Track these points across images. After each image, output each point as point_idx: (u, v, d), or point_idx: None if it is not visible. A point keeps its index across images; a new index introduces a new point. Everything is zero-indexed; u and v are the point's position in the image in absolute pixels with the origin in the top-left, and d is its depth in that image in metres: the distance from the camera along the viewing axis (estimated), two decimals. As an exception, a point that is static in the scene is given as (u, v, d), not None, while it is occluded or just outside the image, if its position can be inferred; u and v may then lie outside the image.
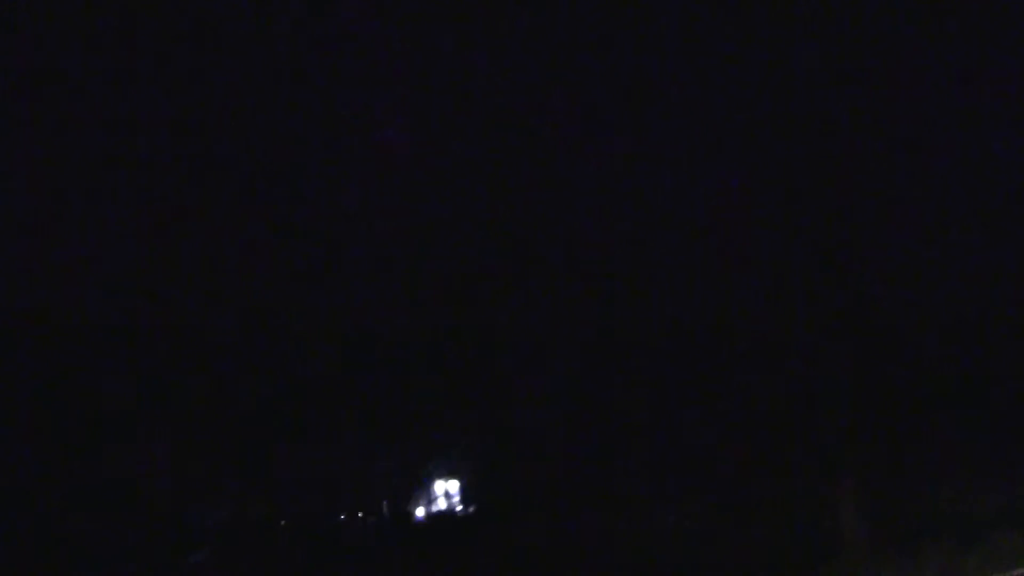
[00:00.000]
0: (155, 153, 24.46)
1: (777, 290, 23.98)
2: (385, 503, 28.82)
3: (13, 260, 22.51)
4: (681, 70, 26.38)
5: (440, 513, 29.48)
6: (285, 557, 23.29)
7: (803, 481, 22.67)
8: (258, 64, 25.80)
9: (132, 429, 22.52)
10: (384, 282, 26.24)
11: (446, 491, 30.22)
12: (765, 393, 23.73)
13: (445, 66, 26.91)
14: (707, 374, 25.03)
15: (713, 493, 24.04)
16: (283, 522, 25.82)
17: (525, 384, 26.33)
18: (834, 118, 25.48)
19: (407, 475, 29.21)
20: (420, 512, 30.18)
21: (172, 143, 24.58)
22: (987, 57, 26.23)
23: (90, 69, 24.14)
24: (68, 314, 22.55)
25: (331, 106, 26.10)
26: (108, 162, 23.85)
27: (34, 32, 24.05)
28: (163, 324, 23.31)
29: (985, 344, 25.23)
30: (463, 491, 29.56)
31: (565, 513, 24.86)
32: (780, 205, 23.98)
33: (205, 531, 23.62)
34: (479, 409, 26.63)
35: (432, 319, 26.09)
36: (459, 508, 29.88)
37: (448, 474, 29.77)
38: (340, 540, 26.12)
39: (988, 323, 25.40)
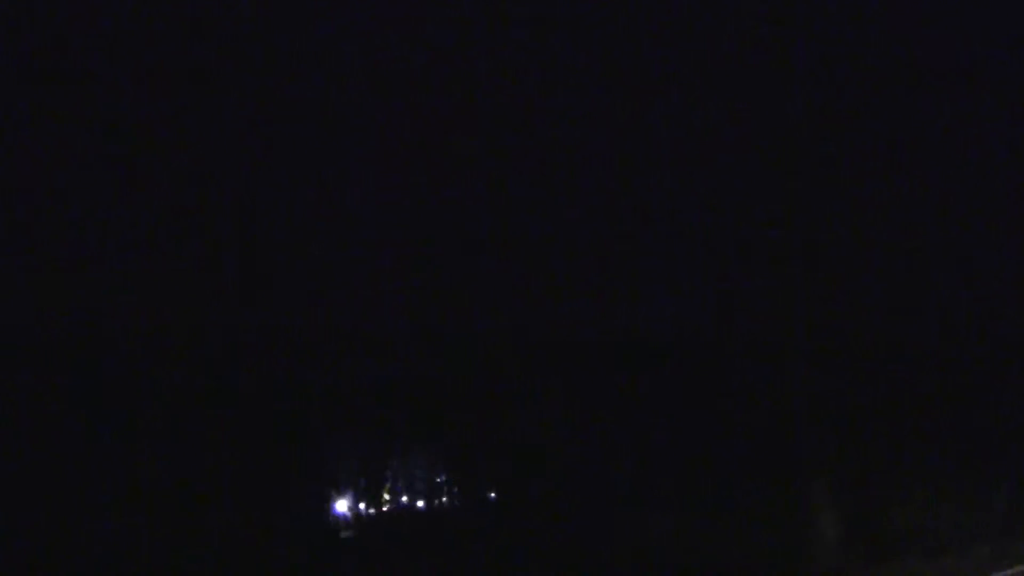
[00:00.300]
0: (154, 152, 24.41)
1: (762, 303, 24.10)
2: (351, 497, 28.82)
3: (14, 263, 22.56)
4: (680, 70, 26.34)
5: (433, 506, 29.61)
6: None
7: (782, 488, 22.81)
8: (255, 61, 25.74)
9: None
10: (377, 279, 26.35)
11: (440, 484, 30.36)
12: (748, 403, 23.85)
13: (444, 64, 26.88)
14: (692, 381, 25.20)
15: (695, 497, 24.17)
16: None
17: (514, 385, 26.45)
18: (832, 120, 25.54)
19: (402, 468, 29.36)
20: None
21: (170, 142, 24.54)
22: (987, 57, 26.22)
23: (84, 67, 24.05)
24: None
25: (329, 105, 26.06)
26: (104, 162, 23.83)
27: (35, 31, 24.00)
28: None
29: (967, 360, 25.34)
30: (457, 486, 29.69)
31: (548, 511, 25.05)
32: (761, 218, 24.12)
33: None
34: (471, 409, 26.76)
35: (423, 317, 26.21)
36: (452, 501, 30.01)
37: (442, 469, 29.89)
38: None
39: (971, 340, 25.52)
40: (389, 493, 28.81)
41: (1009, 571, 19.90)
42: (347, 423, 26.14)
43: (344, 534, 26.05)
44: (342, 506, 27.98)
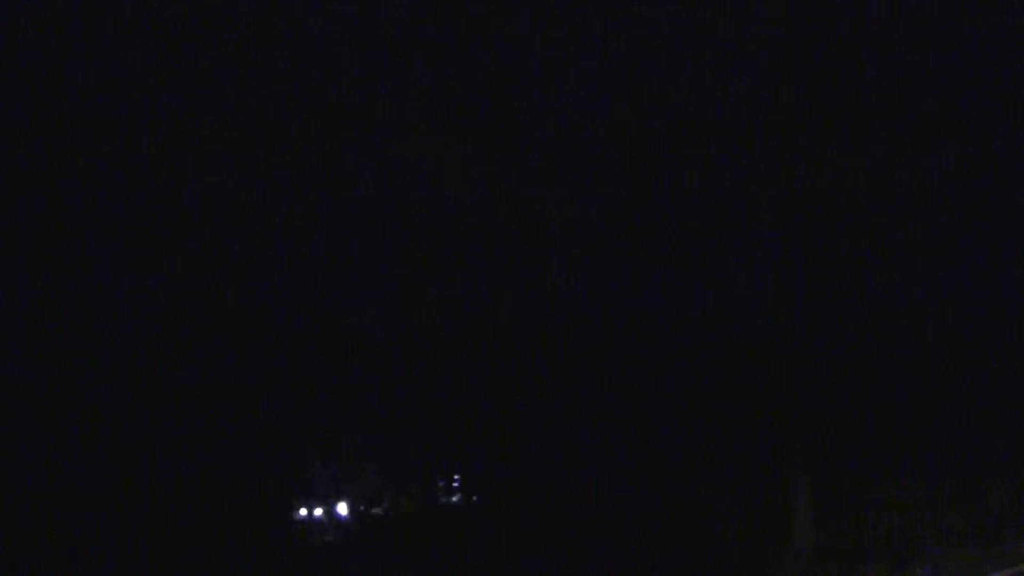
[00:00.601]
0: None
1: (747, 299, 24.09)
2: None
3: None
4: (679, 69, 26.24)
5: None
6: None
7: (760, 488, 22.86)
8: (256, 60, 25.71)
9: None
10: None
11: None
12: (729, 400, 23.90)
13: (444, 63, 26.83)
14: (672, 378, 25.24)
15: (672, 495, 24.24)
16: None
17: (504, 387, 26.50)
18: (833, 118, 25.42)
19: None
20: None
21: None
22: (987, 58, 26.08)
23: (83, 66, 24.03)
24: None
25: (328, 104, 26.01)
26: (101, 162, 23.82)
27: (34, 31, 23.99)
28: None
29: (952, 361, 25.33)
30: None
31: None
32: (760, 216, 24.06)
33: None
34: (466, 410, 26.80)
35: (418, 319, 26.22)
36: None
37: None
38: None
39: (958, 338, 25.50)
40: (387, 495, 28.84)
41: (1008, 571, 19.90)
42: (333, 426, 26.20)
43: (327, 538, 26.12)
44: (343, 509, 28.04)
